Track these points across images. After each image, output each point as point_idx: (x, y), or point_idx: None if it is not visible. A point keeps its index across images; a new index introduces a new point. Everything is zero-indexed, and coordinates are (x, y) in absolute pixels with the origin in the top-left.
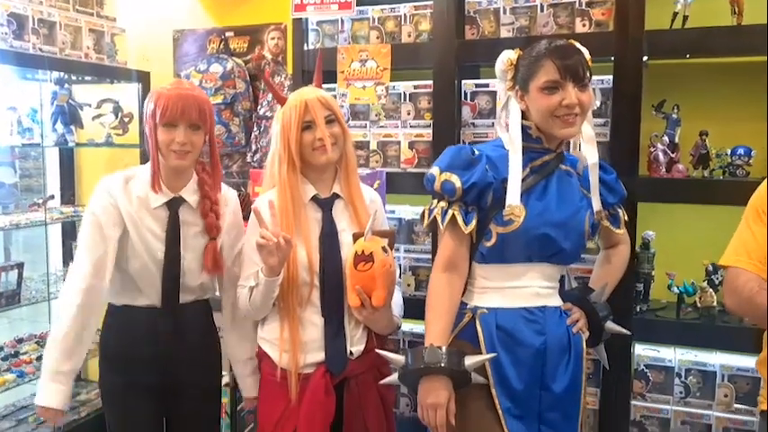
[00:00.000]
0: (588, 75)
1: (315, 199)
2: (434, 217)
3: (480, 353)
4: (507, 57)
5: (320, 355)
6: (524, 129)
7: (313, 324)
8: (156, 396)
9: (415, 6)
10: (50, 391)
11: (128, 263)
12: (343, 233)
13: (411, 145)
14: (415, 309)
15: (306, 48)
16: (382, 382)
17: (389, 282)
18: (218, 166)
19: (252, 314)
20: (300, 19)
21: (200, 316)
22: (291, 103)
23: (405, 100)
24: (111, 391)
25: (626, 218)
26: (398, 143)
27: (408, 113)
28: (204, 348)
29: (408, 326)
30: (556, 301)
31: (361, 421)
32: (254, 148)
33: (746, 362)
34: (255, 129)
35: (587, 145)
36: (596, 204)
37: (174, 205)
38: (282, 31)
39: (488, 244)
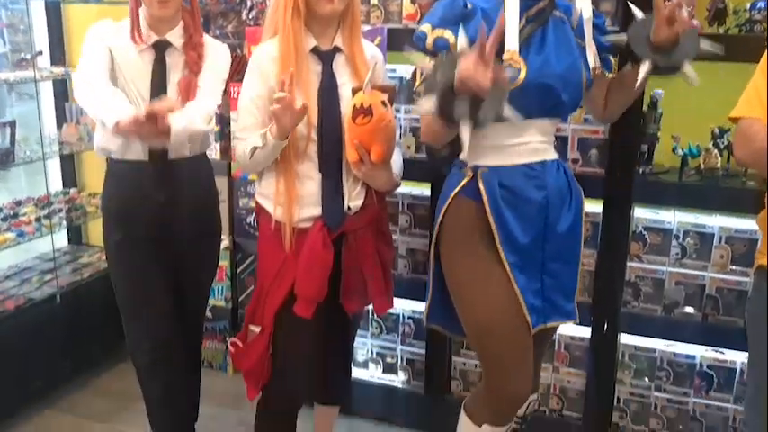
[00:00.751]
0: None
1: (315, 51)
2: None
3: (484, 210)
4: None
5: (317, 210)
6: None
7: (310, 179)
8: (157, 252)
9: None
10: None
11: None
12: (343, 87)
13: None
14: (415, 171)
15: None
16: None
17: (388, 137)
18: (197, 11)
19: (249, 168)
20: None
21: (197, 172)
22: None
23: None
24: (114, 247)
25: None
26: None
27: None
28: (202, 207)
29: (408, 188)
30: (553, 154)
31: (359, 275)
32: (249, 4)
33: (745, 224)
34: None
35: None
36: (591, 60)
37: (160, 48)
38: None
39: None
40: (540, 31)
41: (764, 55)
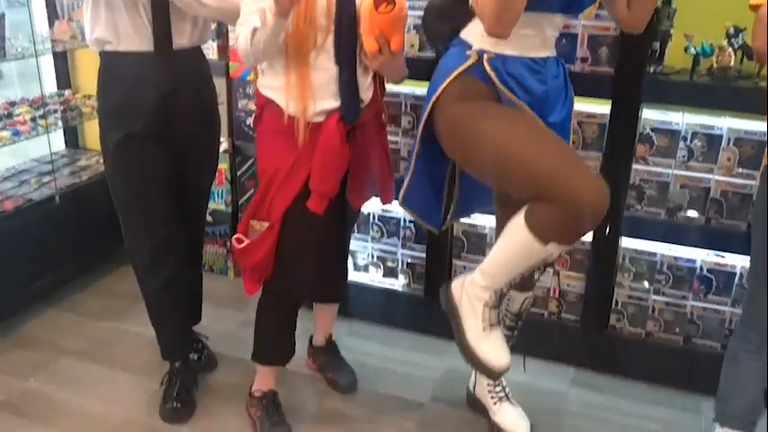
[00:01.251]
0: None
1: None
2: None
3: (495, 94)
4: None
5: (332, 103)
6: None
7: (325, 70)
8: (157, 149)
9: None
10: None
11: None
12: None
13: None
14: (418, 70)
15: None
16: None
17: (404, 26)
18: None
19: (251, 58)
20: None
21: (198, 64)
22: None
23: None
24: (113, 147)
25: None
26: None
27: None
28: (203, 101)
29: (410, 87)
30: (554, 51)
31: (366, 169)
32: None
33: (755, 126)
34: None
35: None
36: None
37: None
38: None
39: None
40: None
41: None
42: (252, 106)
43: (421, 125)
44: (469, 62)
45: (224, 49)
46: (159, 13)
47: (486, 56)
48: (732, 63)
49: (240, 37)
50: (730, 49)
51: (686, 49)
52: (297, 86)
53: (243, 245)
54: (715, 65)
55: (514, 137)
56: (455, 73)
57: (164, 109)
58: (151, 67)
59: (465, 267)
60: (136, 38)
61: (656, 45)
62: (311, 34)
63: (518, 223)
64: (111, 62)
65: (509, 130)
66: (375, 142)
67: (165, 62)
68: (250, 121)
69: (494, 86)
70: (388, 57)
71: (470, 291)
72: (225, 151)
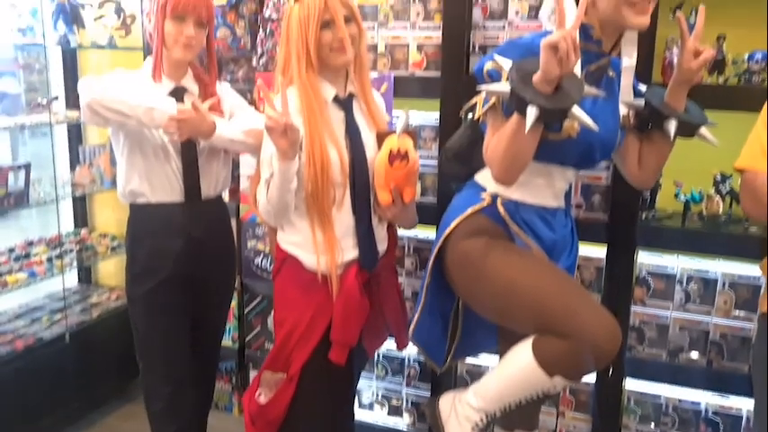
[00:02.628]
0: None
1: (336, 99)
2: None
3: (509, 235)
4: None
5: (353, 254)
6: (585, 28)
7: (344, 224)
8: (183, 297)
9: None
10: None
11: (143, 148)
12: (363, 132)
13: (420, 48)
14: (420, 215)
15: None
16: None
17: (417, 179)
18: (214, 64)
19: (271, 214)
20: None
21: (221, 212)
22: (309, 0)
23: (414, 1)
24: (144, 297)
25: None
26: (407, 46)
27: (418, 15)
28: (225, 245)
29: (413, 231)
30: (563, 202)
31: (382, 316)
32: (259, 51)
33: (748, 270)
34: (261, 31)
35: (630, 44)
36: (622, 108)
37: (177, 94)
38: None
39: None
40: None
41: (765, 106)
42: (260, 246)
43: (432, 258)
44: (484, 203)
45: (234, 192)
46: (189, 163)
47: (500, 199)
48: (721, 210)
49: (259, 198)
50: (718, 198)
51: (676, 196)
52: (324, 242)
53: (266, 399)
54: (705, 212)
55: (527, 272)
56: (469, 211)
57: (191, 255)
58: (181, 217)
59: None
60: (168, 188)
61: (647, 194)
62: (330, 191)
63: (524, 350)
64: (143, 214)
65: (522, 265)
66: (390, 289)
67: (193, 211)
68: (259, 260)
69: (506, 228)
70: (401, 207)
71: (461, 410)
72: (234, 289)
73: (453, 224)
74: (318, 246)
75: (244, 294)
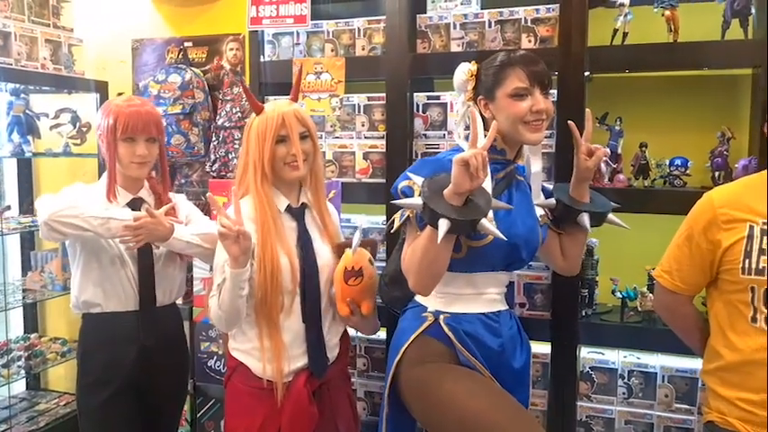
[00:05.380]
0: (551, 83)
1: (288, 209)
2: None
3: (454, 353)
4: (467, 68)
5: (302, 361)
6: None
7: (293, 331)
8: (137, 402)
9: (368, 20)
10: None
11: (99, 258)
12: (315, 241)
13: (365, 156)
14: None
15: (262, 59)
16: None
17: (375, 291)
18: (167, 175)
19: (223, 322)
20: (257, 31)
21: (175, 318)
22: (268, 114)
23: (359, 112)
24: (97, 405)
25: None
26: (353, 154)
27: (363, 125)
28: (179, 351)
29: None
30: (505, 304)
31: (333, 426)
32: (212, 157)
33: (685, 363)
34: (214, 138)
35: (534, 153)
36: (538, 210)
37: (134, 205)
38: (241, 41)
39: (458, 256)
40: (506, 193)
41: (684, 221)
42: (214, 348)
43: (387, 386)
44: (426, 323)
45: (188, 295)
46: (144, 270)
47: (442, 316)
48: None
49: (211, 303)
50: (650, 295)
51: (613, 292)
52: (271, 349)
53: None
54: (640, 308)
55: (473, 399)
56: (414, 335)
57: (144, 364)
58: (134, 326)
59: None
60: (122, 297)
61: (585, 291)
62: (278, 298)
63: None
64: (96, 324)
65: (467, 392)
66: (342, 397)
67: (147, 319)
68: (212, 362)
69: (452, 346)
70: (360, 319)
71: None
72: (188, 392)
73: (402, 350)
74: (266, 353)
75: (197, 398)
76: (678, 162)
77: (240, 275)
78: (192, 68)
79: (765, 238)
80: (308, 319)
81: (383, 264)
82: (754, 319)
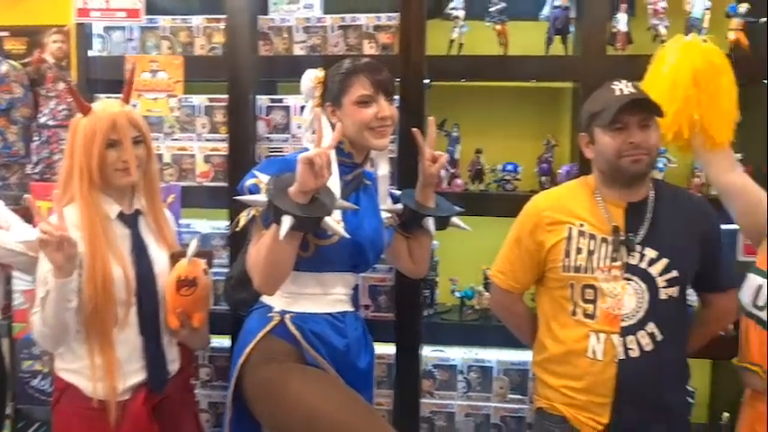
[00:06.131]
0: (395, 90)
1: (120, 216)
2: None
3: (300, 352)
4: (314, 75)
5: (139, 377)
6: (337, 144)
7: (130, 344)
8: None
9: (208, 19)
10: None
11: None
12: (150, 248)
13: (207, 158)
14: (216, 323)
15: (90, 54)
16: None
17: (208, 302)
18: None
19: (49, 340)
20: (84, 24)
21: None
22: (97, 116)
23: (199, 113)
24: None
25: None
26: (193, 156)
27: (203, 127)
28: None
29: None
30: (351, 306)
31: None
32: (34, 159)
33: (518, 356)
34: (36, 138)
35: (381, 158)
36: (384, 213)
37: None
38: (66, 34)
39: (305, 255)
40: (354, 196)
41: (514, 223)
42: (38, 366)
43: (230, 391)
44: (273, 323)
45: (7, 309)
46: None
47: (288, 315)
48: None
49: (34, 320)
50: (487, 294)
51: (453, 292)
52: (102, 366)
53: None
54: (477, 306)
55: (320, 398)
56: (260, 335)
57: None
58: None
59: None
60: None
61: (427, 292)
62: (111, 310)
63: None
64: None
65: (314, 391)
66: (185, 410)
67: None
68: (36, 382)
69: (298, 345)
70: (190, 331)
71: None
72: (7, 416)
73: (247, 350)
74: (97, 371)
75: (18, 422)
76: (510, 167)
77: (66, 285)
78: (9, 61)
79: (581, 239)
80: (146, 331)
81: (224, 270)
82: (574, 313)
